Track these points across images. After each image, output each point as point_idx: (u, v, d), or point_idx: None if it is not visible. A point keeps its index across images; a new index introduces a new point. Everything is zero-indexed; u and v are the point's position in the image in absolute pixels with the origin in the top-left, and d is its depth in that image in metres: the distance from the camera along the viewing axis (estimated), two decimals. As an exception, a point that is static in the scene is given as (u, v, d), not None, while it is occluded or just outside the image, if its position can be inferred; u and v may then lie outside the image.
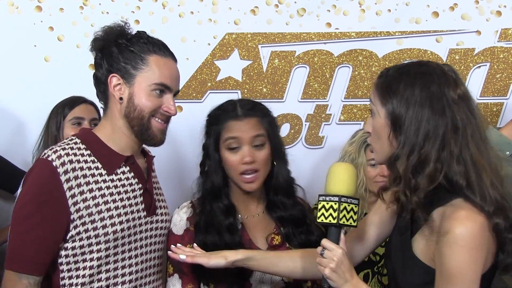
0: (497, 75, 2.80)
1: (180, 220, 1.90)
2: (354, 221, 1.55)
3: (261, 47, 2.79)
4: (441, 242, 1.41)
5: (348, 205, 1.54)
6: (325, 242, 1.54)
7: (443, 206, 1.45)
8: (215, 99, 2.75)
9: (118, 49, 1.66)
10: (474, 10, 2.78)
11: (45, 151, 1.62)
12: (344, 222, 1.53)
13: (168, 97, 1.69)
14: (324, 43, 2.80)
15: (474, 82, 2.80)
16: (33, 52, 2.70)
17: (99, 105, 1.82)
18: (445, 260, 1.40)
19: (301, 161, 2.41)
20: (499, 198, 1.45)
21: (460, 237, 1.37)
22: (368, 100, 1.62)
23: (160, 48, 1.69)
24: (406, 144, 1.45)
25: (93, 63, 2.64)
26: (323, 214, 1.56)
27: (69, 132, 2.32)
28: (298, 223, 1.95)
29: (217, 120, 1.92)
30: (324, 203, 1.56)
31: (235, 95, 2.77)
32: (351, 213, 1.55)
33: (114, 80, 1.66)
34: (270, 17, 2.78)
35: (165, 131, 1.74)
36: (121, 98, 1.66)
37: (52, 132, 2.38)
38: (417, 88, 1.45)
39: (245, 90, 2.79)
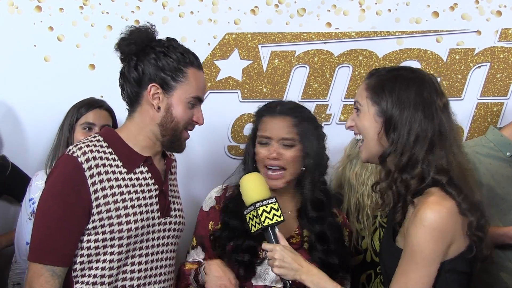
0: (497, 75, 2.80)
1: (209, 198, 2.04)
2: (278, 216, 1.70)
3: (261, 47, 2.79)
4: (410, 224, 1.53)
5: (266, 207, 1.69)
6: (263, 246, 1.71)
7: (421, 196, 1.55)
8: (215, 99, 2.78)
9: (156, 56, 1.70)
10: (474, 10, 2.79)
11: (70, 147, 1.68)
12: (269, 222, 1.68)
13: (199, 109, 1.76)
14: (324, 43, 2.80)
15: (474, 82, 2.80)
16: (33, 52, 2.70)
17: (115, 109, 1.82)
18: (409, 239, 1.52)
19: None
20: (477, 199, 1.56)
21: (425, 217, 1.49)
22: (353, 103, 1.70)
23: (194, 60, 1.75)
24: (399, 143, 1.56)
25: (93, 63, 2.70)
26: (252, 225, 1.71)
27: (79, 137, 2.29)
28: (320, 238, 1.96)
29: (258, 116, 2.02)
30: (248, 215, 1.72)
31: (235, 95, 2.78)
32: (272, 211, 1.69)
33: (153, 89, 1.70)
34: (270, 17, 2.78)
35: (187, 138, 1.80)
36: (159, 108, 1.70)
37: (64, 133, 2.37)
38: (412, 92, 1.57)
39: (245, 90, 2.79)
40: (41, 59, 2.70)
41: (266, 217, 1.68)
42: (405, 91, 1.57)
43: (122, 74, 1.76)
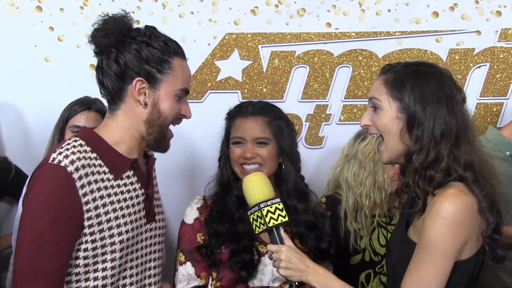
0: (497, 75, 2.81)
1: (191, 210, 1.99)
2: (283, 216, 1.68)
3: (261, 47, 2.79)
4: (426, 215, 1.49)
5: (271, 207, 1.67)
6: (269, 247, 1.69)
7: (441, 188, 1.52)
8: (215, 99, 2.78)
9: (138, 47, 1.55)
10: (474, 10, 2.79)
11: (53, 155, 1.47)
12: (274, 223, 1.66)
13: (185, 102, 1.64)
14: (324, 43, 2.80)
15: (474, 82, 2.80)
16: (33, 52, 2.70)
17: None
18: (425, 230, 1.48)
19: (301, 161, 2.42)
20: (497, 198, 1.53)
21: (443, 210, 1.45)
22: (368, 100, 1.65)
23: (177, 49, 1.61)
24: (424, 140, 1.51)
25: (93, 63, 2.69)
26: (256, 225, 1.69)
27: None
28: (310, 227, 2.01)
29: (230, 117, 2.04)
30: (252, 216, 1.70)
31: (235, 95, 2.78)
32: (277, 211, 1.67)
33: (139, 84, 1.55)
34: (270, 17, 2.78)
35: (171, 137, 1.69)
36: (145, 103, 1.56)
37: (55, 135, 2.35)
38: (434, 87, 1.52)
39: (245, 90, 2.79)
40: (41, 59, 2.70)
41: (271, 217, 1.66)
42: (427, 86, 1.52)
43: (99, 68, 1.59)
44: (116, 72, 1.56)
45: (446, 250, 1.46)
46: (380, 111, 1.57)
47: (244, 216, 1.90)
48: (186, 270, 1.93)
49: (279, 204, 1.69)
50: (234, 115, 2.02)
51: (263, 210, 1.67)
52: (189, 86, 1.65)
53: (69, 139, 1.55)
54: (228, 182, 1.99)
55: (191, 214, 1.98)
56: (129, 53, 1.54)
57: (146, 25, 1.62)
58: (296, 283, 1.65)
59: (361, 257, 2.34)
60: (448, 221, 1.44)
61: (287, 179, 2.00)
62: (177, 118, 1.64)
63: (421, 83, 1.53)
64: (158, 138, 1.61)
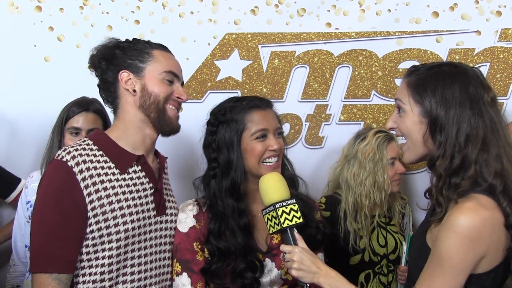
0: (497, 75, 2.80)
1: (186, 218, 1.88)
2: (298, 218, 1.68)
3: (261, 47, 2.79)
4: (441, 227, 1.45)
5: (286, 208, 1.67)
6: (282, 247, 1.67)
7: (463, 198, 1.45)
8: (215, 99, 2.74)
9: (121, 51, 1.75)
10: (474, 10, 2.79)
11: (59, 152, 1.66)
12: (288, 223, 1.66)
13: (178, 85, 1.78)
14: (324, 43, 2.80)
15: (474, 82, 2.80)
16: (33, 52, 2.70)
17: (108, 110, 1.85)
18: (438, 242, 1.44)
19: (301, 161, 2.41)
20: None
21: (457, 224, 1.40)
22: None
23: (160, 46, 1.80)
24: (448, 145, 1.46)
25: (93, 63, 2.70)
26: (270, 225, 1.69)
27: (67, 141, 2.27)
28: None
29: (242, 112, 1.88)
30: (267, 215, 1.69)
31: (235, 95, 2.77)
32: (292, 212, 1.67)
33: (125, 75, 1.73)
34: (270, 17, 2.78)
35: (178, 118, 1.81)
36: (134, 91, 1.73)
37: (54, 138, 2.34)
38: (456, 89, 1.47)
39: (245, 90, 2.79)
40: (41, 59, 2.71)
41: (285, 218, 1.66)
42: (449, 88, 1.47)
43: (98, 85, 1.80)
44: (108, 77, 1.75)
45: (458, 264, 1.41)
46: (404, 114, 1.55)
47: (248, 225, 1.84)
48: (181, 281, 1.84)
49: (294, 206, 1.68)
50: (247, 109, 1.88)
51: (278, 210, 1.67)
52: (176, 70, 1.78)
53: (79, 140, 1.74)
54: (238, 187, 1.86)
55: (186, 222, 1.87)
56: (114, 57, 1.75)
57: (133, 38, 1.82)
58: (308, 284, 1.65)
59: (361, 257, 2.34)
60: (462, 236, 1.39)
61: (285, 168, 1.94)
62: (172, 99, 1.76)
63: (442, 85, 1.48)
64: (158, 116, 1.73)
